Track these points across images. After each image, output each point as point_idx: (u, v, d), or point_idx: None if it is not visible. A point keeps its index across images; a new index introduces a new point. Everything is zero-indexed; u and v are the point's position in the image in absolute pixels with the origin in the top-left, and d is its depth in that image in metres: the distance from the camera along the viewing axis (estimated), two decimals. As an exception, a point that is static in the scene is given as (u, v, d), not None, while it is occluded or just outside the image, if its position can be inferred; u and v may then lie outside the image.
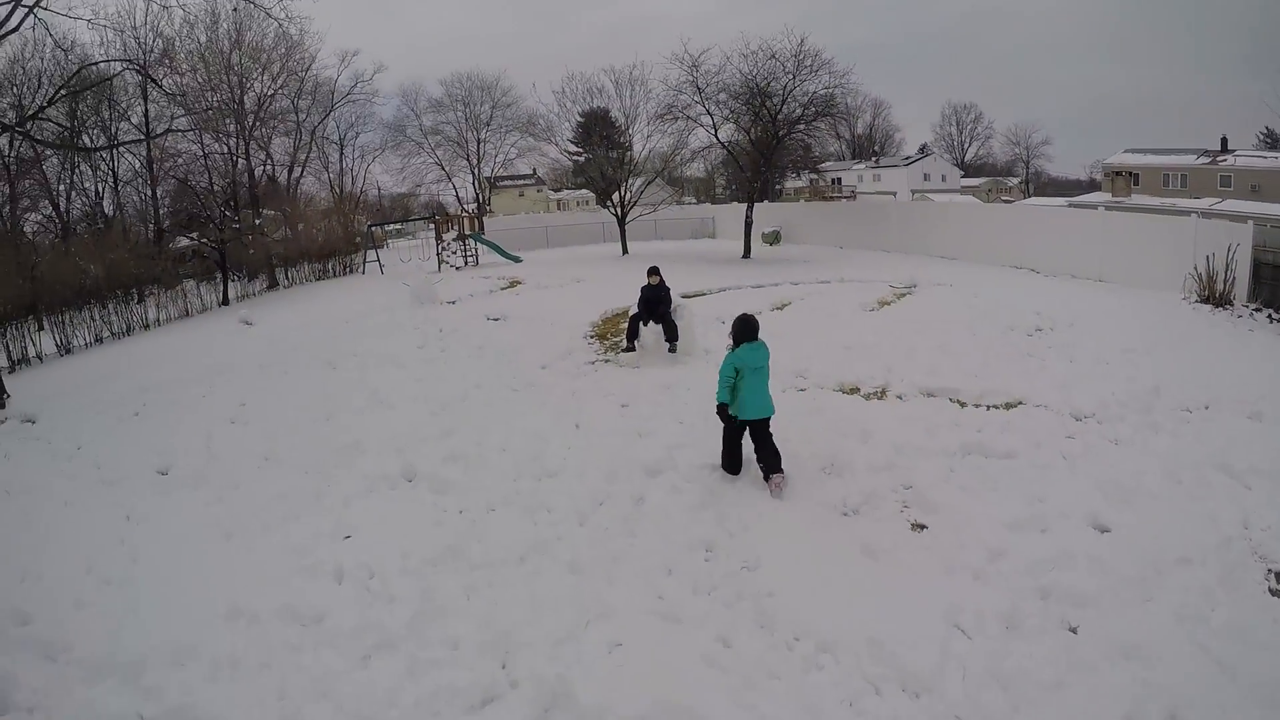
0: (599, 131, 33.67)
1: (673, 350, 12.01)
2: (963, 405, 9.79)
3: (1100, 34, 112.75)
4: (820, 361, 11.34)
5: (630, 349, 12.33)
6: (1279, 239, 15.43)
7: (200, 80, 29.41)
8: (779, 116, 25.63)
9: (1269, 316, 13.75)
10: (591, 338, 14.07)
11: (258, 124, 33.12)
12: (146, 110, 30.13)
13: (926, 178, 63.27)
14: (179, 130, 27.72)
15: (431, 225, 29.54)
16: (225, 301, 25.27)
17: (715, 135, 27.48)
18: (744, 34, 25.89)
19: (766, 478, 7.60)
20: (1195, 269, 15.14)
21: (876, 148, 68.83)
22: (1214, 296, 14.63)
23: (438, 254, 28.51)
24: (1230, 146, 49.95)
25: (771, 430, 7.73)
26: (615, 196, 30.18)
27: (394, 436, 9.44)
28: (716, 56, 26.31)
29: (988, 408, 9.66)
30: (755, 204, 28.99)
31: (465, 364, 12.48)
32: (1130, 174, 50.15)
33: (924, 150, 69.15)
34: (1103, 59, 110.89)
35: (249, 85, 31.99)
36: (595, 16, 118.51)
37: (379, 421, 10.07)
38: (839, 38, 70.39)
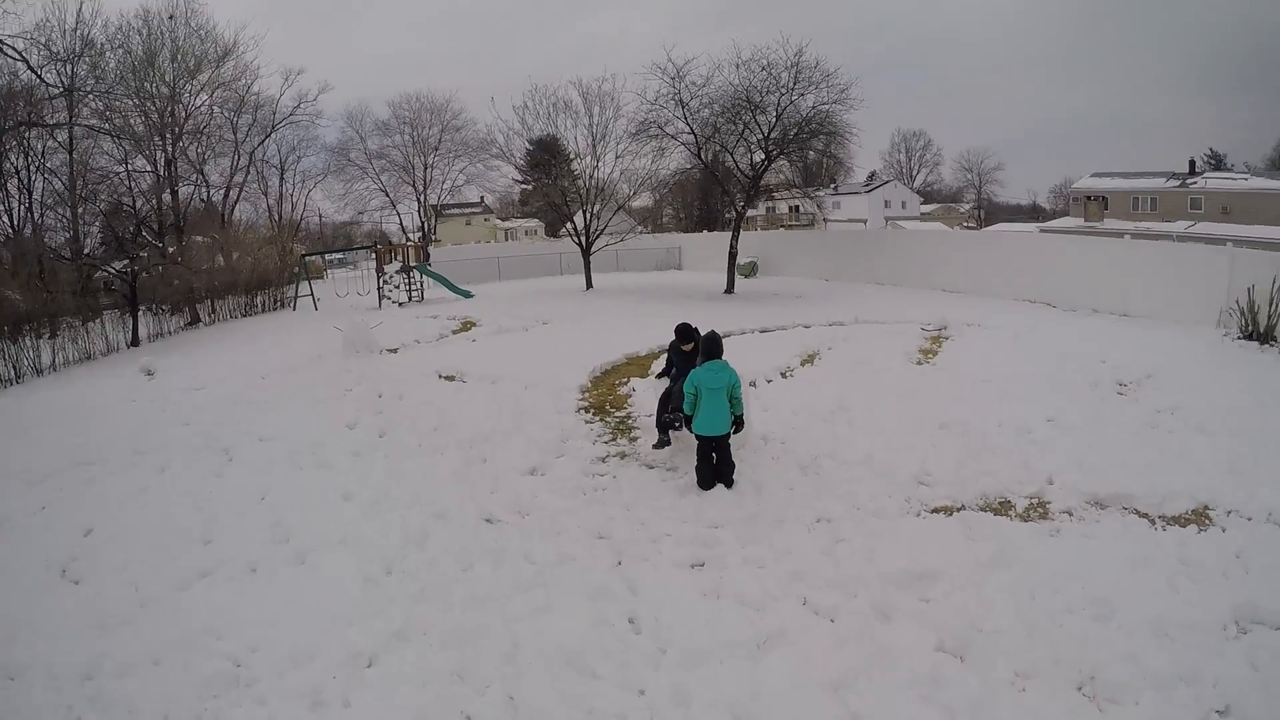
0: (549, 159, 30.53)
1: (728, 484, 7.88)
2: (1153, 522, 6.60)
3: (1043, 60, 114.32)
4: (922, 453, 8.15)
5: (663, 444, 8.60)
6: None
7: (128, 87, 25.50)
8: (771, 134, 22.42)
9: (1320, 354, 12.18)
10: (587, 410, 10.41)
11: (190, 141, 29.04)
12: (71, 121, 25.90)
13: (887, 204, 61.27)
14: (89, 126, 23.67)
15: (372, 255, 25.76)
16: (135, 342, 21.02)
17: (699, 155, 24.11)
18: (735, 42, 22.61)
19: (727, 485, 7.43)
20: (1237, 303, 13.67)
21: (827, 175, 66.73)
22: (1258, 333, 13.14)
23: (378, 288, 24.75)
24: (1186, 169, 49.01)
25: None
26: (578, 224, 26.76)
27: (304, 649, 5.10)
28: (704, 66, 23.13)
29: (1182, 523, 6.56)
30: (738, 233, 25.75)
31: (415, 464, 8.50)
32: (1101, 198, 48.79)
33: (873, 177, 67.32)
34: (1045, 85, 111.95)
35: (179, 95, 27.96)
36: (544, 41, 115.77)
37: (281, 603, 5.72)
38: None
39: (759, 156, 23.33)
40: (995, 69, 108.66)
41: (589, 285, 26.96)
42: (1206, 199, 45.78)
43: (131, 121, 26.22)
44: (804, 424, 9.22)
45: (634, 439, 9.19)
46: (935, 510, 6.86)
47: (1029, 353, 12.91)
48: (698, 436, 7.46)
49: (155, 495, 7.82)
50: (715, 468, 7.46)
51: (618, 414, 10.23)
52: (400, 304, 24.37)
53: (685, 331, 8.59)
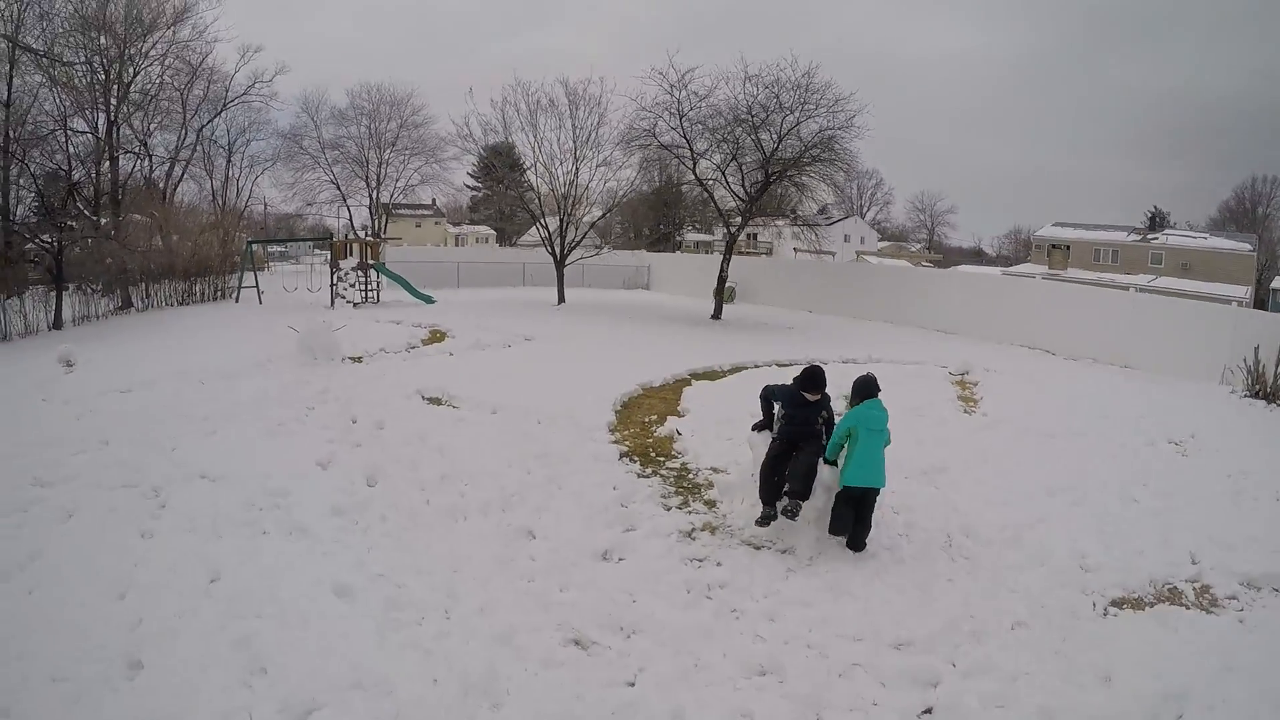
0: (506, 168, 28.27)
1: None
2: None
3: (979, 116, 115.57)
4: (1056, 527, 6.99)
5: (767, 517, 6.33)
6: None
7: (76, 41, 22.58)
8: (773, 155, 20.55)
9: (1320, 414, 12.45)
10: (629, 458, 8.17)
11: (134, 109, 25.72)
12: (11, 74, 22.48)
13: (846, 239, 60.30)
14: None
15: (321, 249, 22.99)
16: (58, 324, 17.87)
17: (693, 170, 22.07)
18: (743, 56, 20.67)
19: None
20: (1245, 361, 13.79)
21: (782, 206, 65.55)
22: (1265, 391, 13.26)
23: (331, 285, 21.99)
24: (1145, 223, 49.39)
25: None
26: (551, 232, 24.45)
27: None
28: (708, 77, 21.07)
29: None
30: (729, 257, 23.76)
31: (433, 538, 6.05)
32: (1065, 246, 48.55)
33: (824, 211, 66.54)
34: (980, 139, 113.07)
35: (129, 55, 24.68)
36: (497, 48, 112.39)
37: None
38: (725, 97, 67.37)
39: (757, 177, 21.42)
40: (929, 119, 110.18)
41: (561, 299, 24.63)
42: (1167, 254, 45.70)
43: (75, 74, 22.86)
44: (906, 487, 7.46)
45: (710, 503, 7.03)
46: (1117, 603, 5.75)
47: (1066, 405, 11.99)
48: (846, 489, 6.25)
49: (51, 567, 5.22)
50: (856, 529, 6.30)
51: (669, 465, 8.06)
52: (355, 304, 21.70)
53: (816, 378, 6.44)
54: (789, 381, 6.69)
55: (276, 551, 5.55)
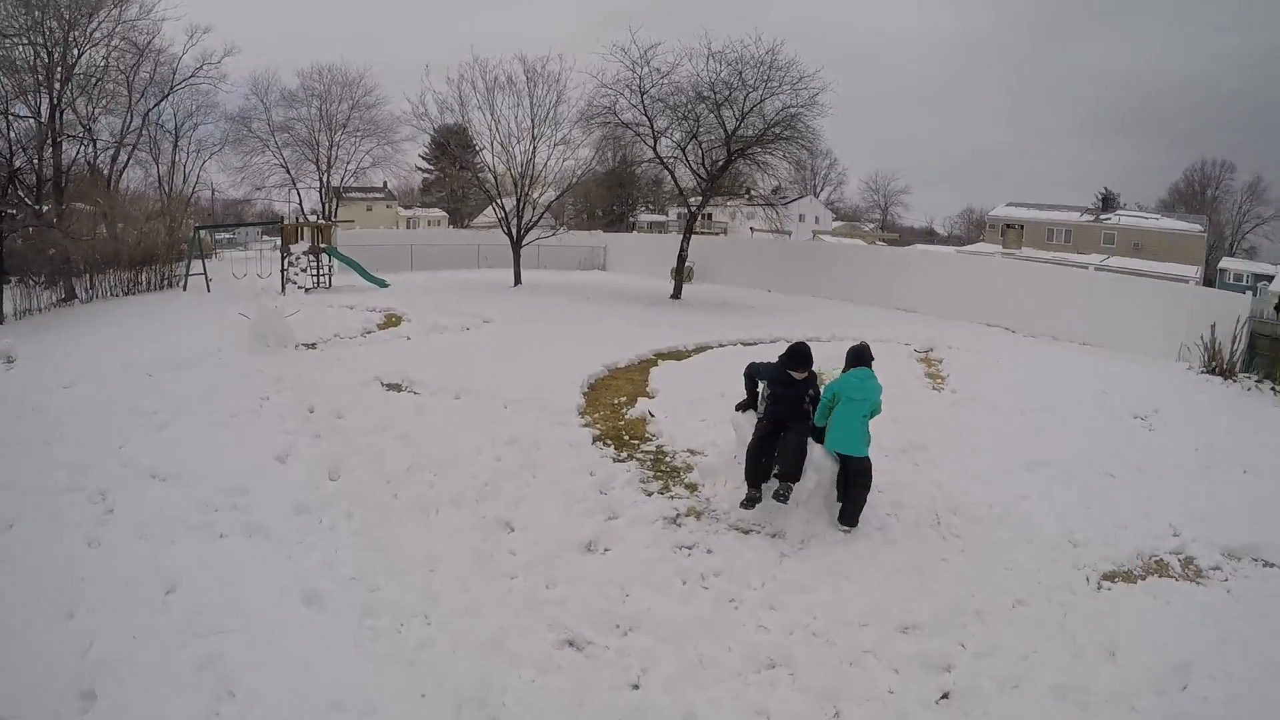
0: (456, 148, 27.44)
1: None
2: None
3: (930, 96, 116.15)
4: (1039, 503, 7.05)
5: (752, 500, 6.13)
6: (1269, 310, 16.08)
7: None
8: (735, 133, 20.22)
9: (1272, 389, 12.89)
10: (603, 442, 7.89)
11: (79, 93, 24.48)
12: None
13: (801, 218, 60.25)
14: None
15: (271, 235, 22.14)
16: (-1, 318, 16.98)
17: (654, 148, 21.63)
18: (706, 32, 20.11)
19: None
20: (1201, 339, 14.07)
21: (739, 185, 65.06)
22: (1221, 368, 13.66)
23: (282, 271, 21.19)
24: (1096, 204, 50.02)
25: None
26: (509, 210, 23.92)
27: None
28: (671, 54, 20.54)
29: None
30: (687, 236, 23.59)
31: (404, 534, 5.69)
32: (1019, 226, 48.91)
33: (778, 191, 66.25)
34: (931, 119, 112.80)
35: (73, 37, 23.45)
36: (452, 29, 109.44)
37: None
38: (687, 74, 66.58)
39: (718, 156, 21.12)
40: (883, 99, 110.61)
41: (518, 281, 24.14)
42: (1120, 234, 46.16)
43: (16, 53, 21.67)
44: (887, 465, 7.30)
45: (692, 487, 6.80)
46: (1109, 577, 5.82)
47: (1031, 381, 12.22)
48: (837, 455, 6.27)
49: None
50: (844, 497, 6.26)
51: (644, 448, 7.80)
52: (306, 290, 20.92)
53: (803, 355, 6.22)
54: (773, 360, 6.49)
55: (237, 556, 5.16)
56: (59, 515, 5.67)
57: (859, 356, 6.39)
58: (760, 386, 6.56)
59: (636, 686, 4.15)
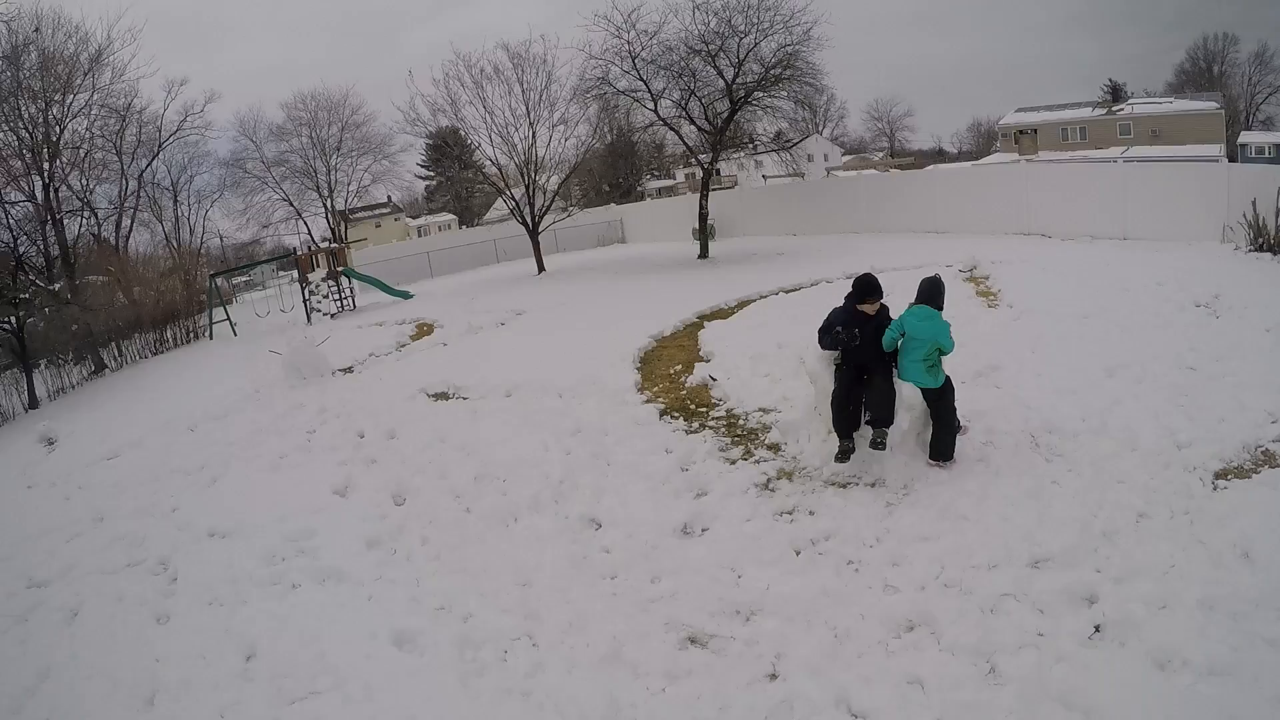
0: (454, 146, 27.26)
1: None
2: None
3: (928, 10, 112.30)
4: (1133, 407, 6.62)
5: (846, 451, 5.65)
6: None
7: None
8: (734, 82, 19.40)
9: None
10: (670, 415, 7.43)
11: (69, 168, 24.43)
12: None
13: (810, 158, 59.36)
14: None
15: (285, 270, 21.91)
16: (33, 403, 16.77)
17: (655, 110, 20.82)
18: None
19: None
20: (1245, 216, 13.26)
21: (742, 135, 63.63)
22: (1268, 244, 12.89)
23: (304, 301, 20.93)
24: (1107, 96, 48.17)
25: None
26: (521, 199, 23.42)
27: None
28: (656, 13, 19.93)
29: None
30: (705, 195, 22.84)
31: (487, 551, 5.33)
32: (1032, 131, 47.21)
33: (780, 135, 65.02)
34: (925, 36, 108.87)
35: (53, 113, 23.38)
36: (420, 35, 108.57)
37: None
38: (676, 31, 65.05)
39: (721, 108, 20.34)
40: (873, 28, 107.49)
41: (541, 268, 23.68)
42: (1135, 124, 44.52)
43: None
44: (968, 392, 6.79)
45: (774, 447, 6.31)
46: (1221, 475, 5.40)
47: (1084, 284, 11.51)
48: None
49: (65, 687, 4.41)
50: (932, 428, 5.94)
51: (714, 415, 7.31)
52: (332, 315, 20.66)
53: (872, 285, 5.71)
54: (838, 304, 5.96)
55: (314, 606, 4.80)
56: (123, 595, 5.35)
57: (923, 293, 6.06)
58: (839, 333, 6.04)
59: (775, 676, 3.74)
